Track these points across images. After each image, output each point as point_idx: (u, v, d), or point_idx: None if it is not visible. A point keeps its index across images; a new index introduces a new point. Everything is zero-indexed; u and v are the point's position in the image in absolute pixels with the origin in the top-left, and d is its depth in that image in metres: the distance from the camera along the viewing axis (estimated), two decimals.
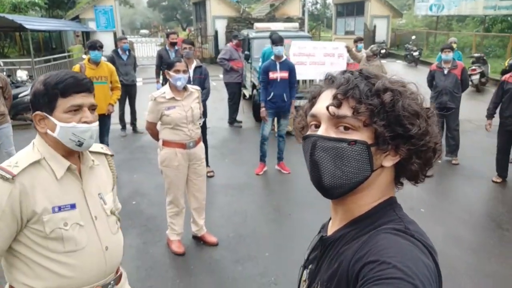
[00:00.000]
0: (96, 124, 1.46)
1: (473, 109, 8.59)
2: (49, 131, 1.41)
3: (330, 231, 0.93)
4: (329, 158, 0.82)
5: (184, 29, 39.20)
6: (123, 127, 7.65)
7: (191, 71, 4.96)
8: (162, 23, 49.84)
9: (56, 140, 1.42)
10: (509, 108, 5.04)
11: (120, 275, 1.68)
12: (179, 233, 3.68)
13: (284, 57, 5.44)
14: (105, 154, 1.68)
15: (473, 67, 11.33)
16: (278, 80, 5.32)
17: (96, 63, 5.40)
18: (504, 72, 10.14)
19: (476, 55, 12.55)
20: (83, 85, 1.42)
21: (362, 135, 0.81)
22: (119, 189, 1.84)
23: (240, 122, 8.16)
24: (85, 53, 14.55)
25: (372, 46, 7.34)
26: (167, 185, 3.55)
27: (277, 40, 5.27)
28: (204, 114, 4.49)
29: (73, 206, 1.45)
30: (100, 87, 5.28)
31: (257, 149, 5.75)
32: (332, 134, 0.82)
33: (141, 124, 7.29)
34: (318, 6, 44.18)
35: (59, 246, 1.42)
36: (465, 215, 4.43)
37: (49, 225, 1.39)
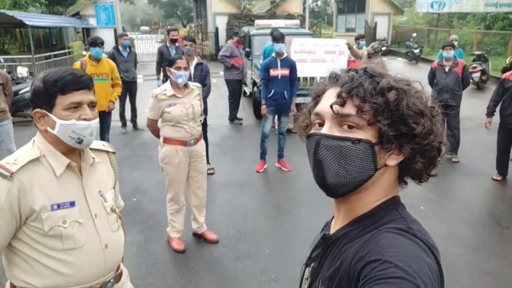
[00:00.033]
0: (96, 121, 1.45)
1: (473, 107, 8.58)
2: (49, 129, 1.41)
3: (333, 229, 0.92)
4: (332, 157, 0.81)
5: (184, 26, 39.14)
6: (124, 124, 7.64)
7: (192, 68, 4.95)
8: (163, 19, 49.72)
9: (56, 138, 1.41)
10: (510, 107, 5.03)
11: (121, 273, 1.67)
12: (180, 230, 3.68)
13: (285, 54, 5.43)
14: (107, 152, 1.67)
15: (474, 65, 11.31)
16: (279, 77, 5.30)
17: (97, 60, 5.39)
18: (505, 70, 10.12)
19: (477, 52, 12.53)
20: (82, 82, 1.41)
21: (366, 134, 0.80)
22: (120, 186, 1.83)
23: (241, 119, 8.15)
24: (85, 50, 14.55)
25: (373, 43, 7.32)
26: (168, 182, 3.56)
27: (278, 37, 5.25)
28: (205, 111, 4.48)
29: (72, 204, 1.44)
30: (101, 84, 5.29)
31: (257, 147, 5.75)
32: (336, 132, 0.82)
33: (141, 121, 7.29)
34: (319, 3, 44.06)
35: (58, 243, 1.42)
36: (465, 213, 4.44)
37: (48, 222, 1.39)
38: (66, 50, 15.06)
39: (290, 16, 18.24)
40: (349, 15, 24.53)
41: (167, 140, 3.45)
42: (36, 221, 1.38)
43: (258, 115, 7.24)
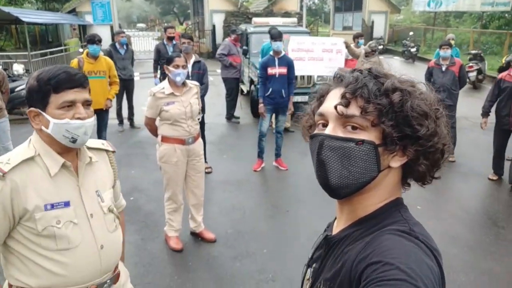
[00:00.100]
0: (90, 120, 1.43)
1: (470, 106, 8.61)
2: (43, 128, 1.39)
3: (335, 230, 0.92)
4: (336, 158, 0.81)
5: (181, 23, 38.99)
6: (121, 122, 7.61)
7: (189, 66, 4.93)
8: (159, 16, 49.57)
9: (51, 137, 1.40)
10: (506, 107, 5.03)
11: (118, 274, 1.64)
12: (177, 229, 3.67)
13: (283, 53, 5.43)
14: (106, 150, 1.65)
15: (470, 64, 11.35)
16: (277, 75, 5.30)
17: (95, 57, 5.36)
18: (501, 69, 10.18)
19: (473, 52, 12.57)
20: (76, 81, 1.39)
21: (370, 135, 0.80)
22: None
23: (238, 118, 8.14)
24: (82, 47, 14.47)
25: (370, 42, 7.32)
26: (166, 181, 3.54)
27: (276, 35, 5.24)
28: (203, 109, 4.48)
29: (67, 204, 1.43)
30: (98, 82, 5.26)
31: (255, 145, 5.74)
32: (340, 133, 0.82)
33: (138, 119, 7.26)
34: (316, 1, 44.02)
35: (52, 244, 1.40)
36: (461, 213, 4.46)
37: (41, 222, 1.38)
38: (62, 47, 14.96)
39: (287, 14, 18.21)
40: (346, 13, 24.53)
41: (165, 139, 3.43)
42: (29, 221, 1.37)
43: (256, 114, 7.22)
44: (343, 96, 0.82)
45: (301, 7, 18.53)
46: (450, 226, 4.15)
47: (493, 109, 5.27)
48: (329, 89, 0.89)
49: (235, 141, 7.04)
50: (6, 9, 12.35)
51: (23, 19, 11.83)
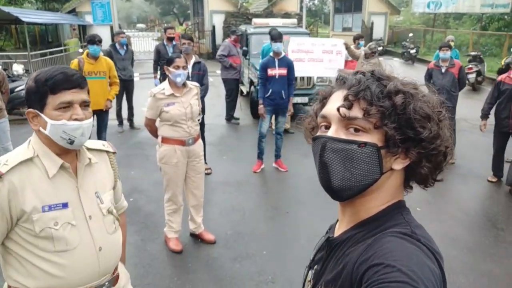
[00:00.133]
0: (88, 122, 1.42)
1: (469, 108, 8.62)
2: (41, 129, 1.39)
3: (337, 232, 0.92)
4: (338, 160, 0.81)
5: (181, 24, 39.00)
6: (120, 122, 7.60)
7: (190, 67, 4.93)
8: (159, 17, 49.57)
9: (49, 138, 1.39)
10: (505, 110, 5.03)
11: (117, 277, 1.63)
12: (177, 230, 3.67)
13: (283, 54, 5.43)
14: (107, 152, 1.64)
15: (470, 66, 11.36)
16: (277, 77, 5.30)
17: (95, 57, 5.36)
18: (500, 71, 10.19)
19: (472, 53, 12.58)
20: (73, 81, 1.38)
21: (373, 137, 0.80)
22: None
23: (238, 119, 8.14)
24: (81, 47, 14.46)
25: (370, 43, 7.33)
26: (166, 182, 3.54)
27: (276, 36, 5.24)
28: (203, 110, 4.47)
29: (65, 205, 1.42)
30: (98, 82, 5.26)
31: (254, 146, 5.74)
32: (342, 135, 0.82)
33: (138, 120, 7.26)
34: (316, 2, 44.05)
35: (49, 245, 1.40)
36: (460, 214, 4.46)
37: (39, 224, 1.37)
38: (62, 48, 14.95)
39: (287, 15, 18.24)
40: (346, 15, 24.57)
41: (165, 140, 3.43)
42: (27, 223, 1.37)
43: (255, 115, 7.23)
44: (345, 98, 0.82)
45: (301, 8, 18.56)
46: (449, 227, 4.15)
47: (493, 111, 5.28)
48: (332, 91, 0.89)
49: (235, 142, 7.04)
50: (6, 9, 12.34)
51: (23, 19, 11.83)
